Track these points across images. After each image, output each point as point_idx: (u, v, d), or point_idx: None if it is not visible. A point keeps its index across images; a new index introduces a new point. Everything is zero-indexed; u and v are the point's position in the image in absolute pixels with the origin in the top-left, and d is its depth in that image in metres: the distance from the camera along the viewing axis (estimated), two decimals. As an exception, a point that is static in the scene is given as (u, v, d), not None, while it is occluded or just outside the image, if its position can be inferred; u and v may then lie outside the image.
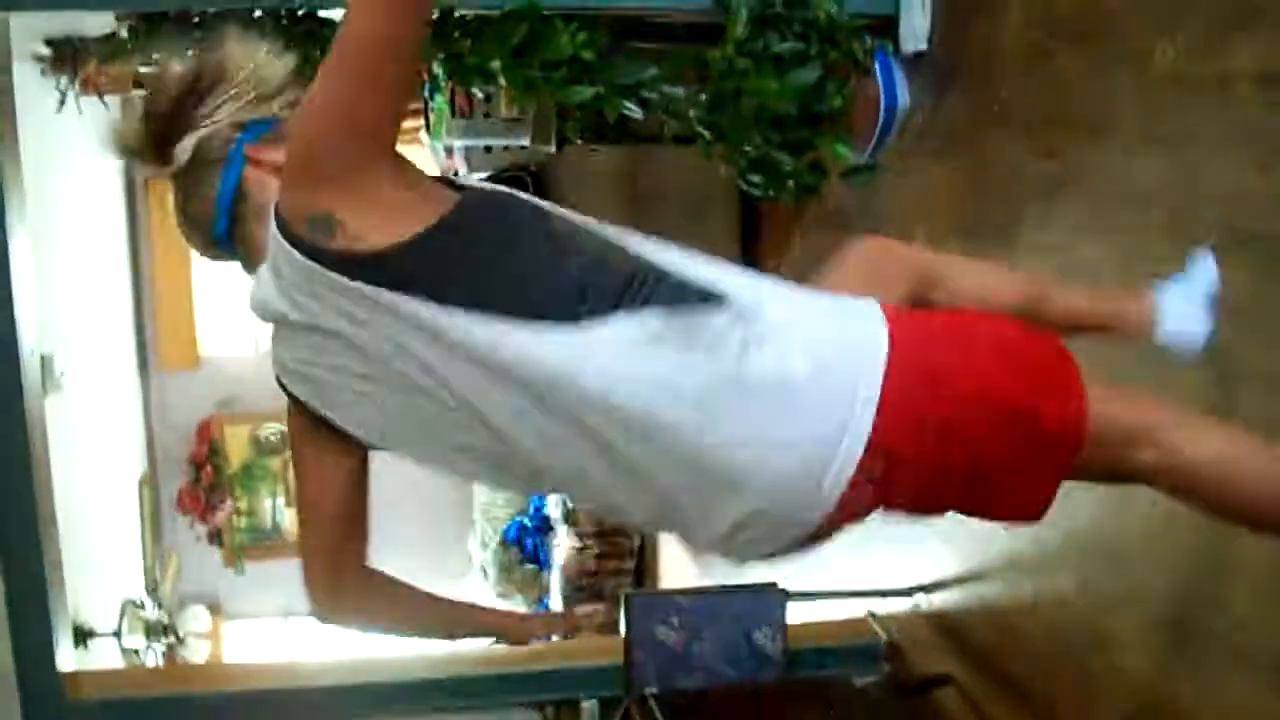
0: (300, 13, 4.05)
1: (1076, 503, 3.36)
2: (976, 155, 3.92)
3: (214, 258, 2.17)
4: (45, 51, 5.13)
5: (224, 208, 2.03)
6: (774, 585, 4.39)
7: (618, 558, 9.40)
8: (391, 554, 8.18)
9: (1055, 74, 3.41)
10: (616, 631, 4.37)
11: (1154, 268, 2.97)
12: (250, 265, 2.08)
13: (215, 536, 10.18)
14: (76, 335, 7.02)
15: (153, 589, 8.19)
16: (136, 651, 6.81)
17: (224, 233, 2.07)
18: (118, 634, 6.61)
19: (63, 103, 5.30)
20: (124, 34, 4.30)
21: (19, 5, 3.94)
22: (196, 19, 4.05)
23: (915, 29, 4.17)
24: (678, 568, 8.68)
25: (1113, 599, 3.28)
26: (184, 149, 1.99)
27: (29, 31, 4.80)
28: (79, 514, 6.14)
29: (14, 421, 4.21)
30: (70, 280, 6.89)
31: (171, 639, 7.63)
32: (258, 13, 3.86)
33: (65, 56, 5.03)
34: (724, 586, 4.59)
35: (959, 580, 4.18)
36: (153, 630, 7.14)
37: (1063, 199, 3.40)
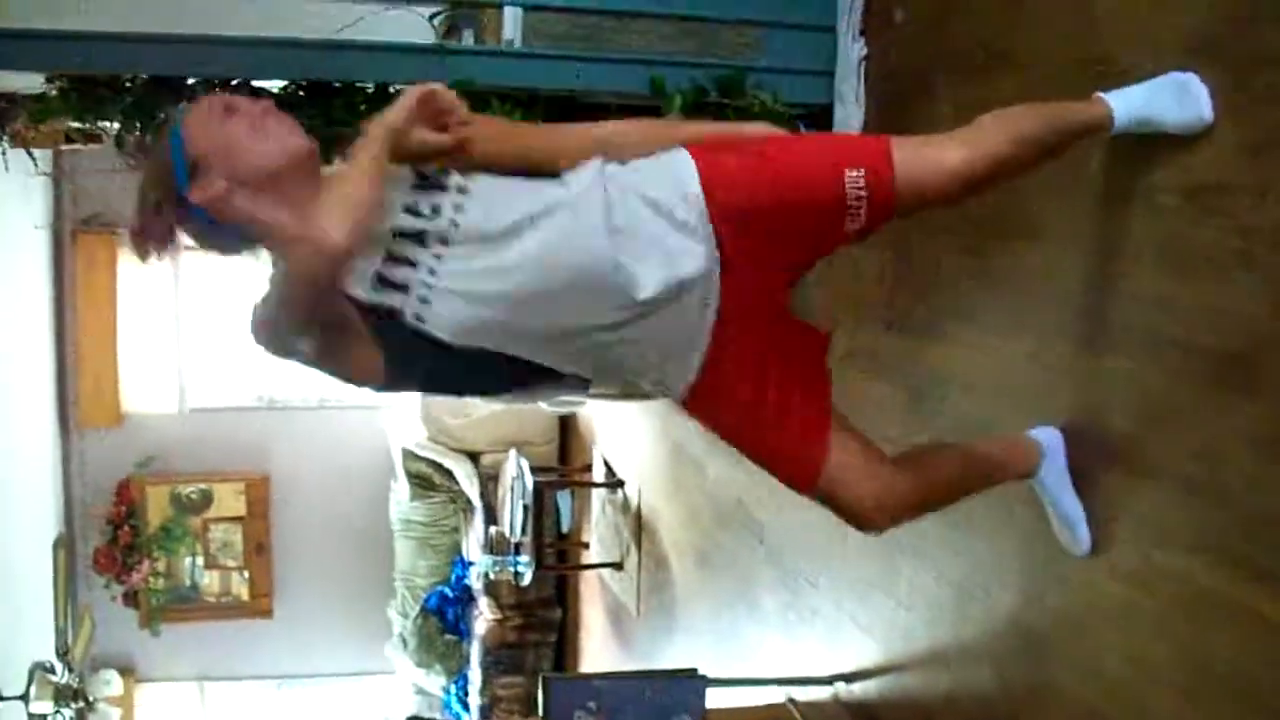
0: (234, 83, 4.02)
1: (996, 598, 3.37)
2: (903, 249, 3.94)
3: None
4: (-28, 105, 5.08)
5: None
6: (694, 671, 4.37)
7: (539, 630, 9.35)
8: (310, 619, 8.15)
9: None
10: (535, 710, 4.33)
11: (1070, 366, 3.00)
12: None
13: (131, 597, 10.04)
14: (-4, 391, 6.92)
15: (64, 652, 8.04)
16: (44, 717, 6.68)
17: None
18: (25, 698, 6.48)
19: (-10, 157, 5.24)
20: (54, 94, 4.26)
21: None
22: (128, 83, 4.02)
23: (849, 119, 4.20)
24: (600, 644, 8.63)
25: (1032, 695, 3.27)
26: None
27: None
28: (-11, 574, 6.04)
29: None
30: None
31: (81, 704, 7.48)
32: (190, 80, 3.84)
33: (-6, 112, 4.98)
34: (644, 671, 4.57)
35: (879, 670, 4.17)
36: (62, 695, 7.01)
37: (985, 296, 3.43)
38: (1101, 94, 2.71)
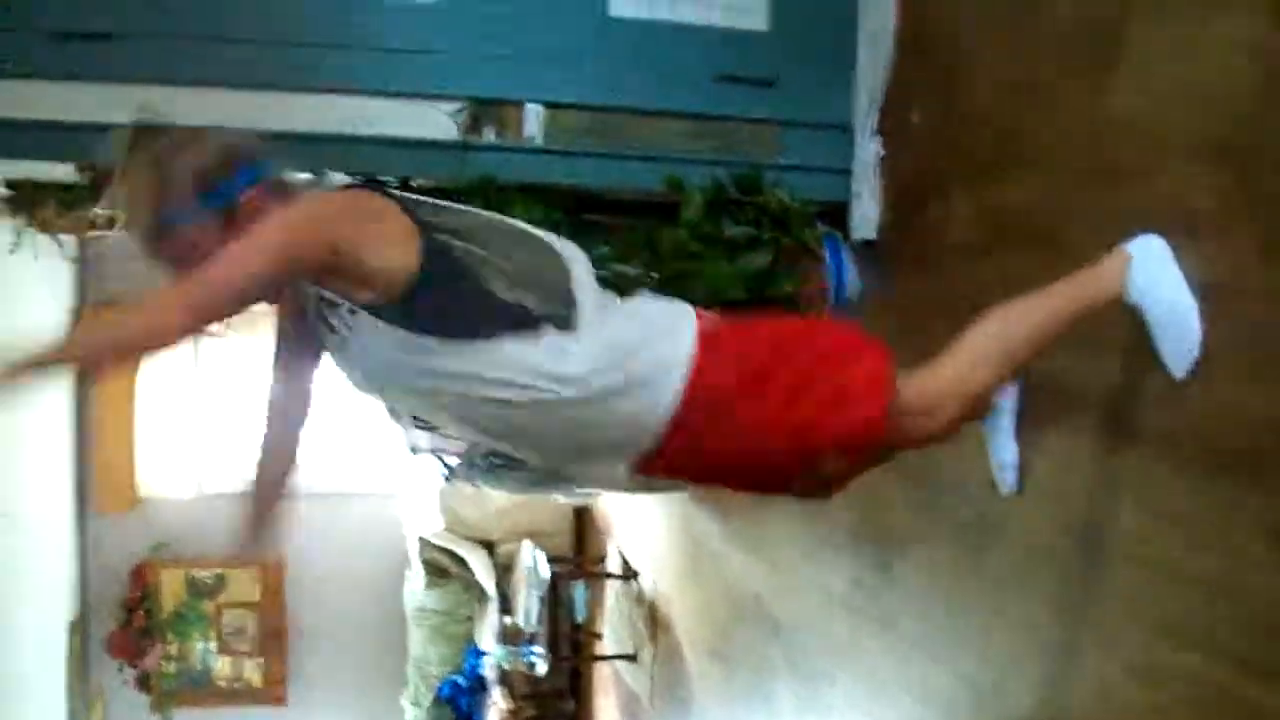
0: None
1: (1013, 693, 3.36)
2: (923, 342, 3.95)
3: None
4: (4, 192, 5.15)
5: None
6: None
7: (552, 719, 9.30)
8: (323, 706, 8.10)
9: (1002, 268, 3.46)
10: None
11: (1090, 465, 3.01)
12: None
13: (143, 681, 9.99)
14: (15, 475, 6.95)
15: (75, 736, 8.02)
16: (54, 802, 6.65)
17: None
18: (35, 782, 6.45)
19: (16, 244, 5.31)
20: (84, 183, 4.33)
21: (-15, 153, 3.98)
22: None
23: (866, 217, 4.24)
24: (612, 734, 8.58)
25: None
26: None
27: (-11, 172, 4.82)
28: (4, 655, 6.03)
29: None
30: (11, 419, 6.84)
31: (90, 789, 7.44)
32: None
33: (23, 199, 5.05)
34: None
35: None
36: (72, 779, 6.97)
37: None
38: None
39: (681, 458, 2.52)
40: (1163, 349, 2.72)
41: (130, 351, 2.35)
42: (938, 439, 2.72)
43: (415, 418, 2.68)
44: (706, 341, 2.49)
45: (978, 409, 2.88)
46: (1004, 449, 3.31)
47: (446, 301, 2.37)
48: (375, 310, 2.36)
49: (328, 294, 2.41)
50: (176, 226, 2.39)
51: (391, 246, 2.35)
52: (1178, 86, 2.81)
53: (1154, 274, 2.69)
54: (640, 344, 2.47)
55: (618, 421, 2.46)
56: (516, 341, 2.38)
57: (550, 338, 2.40)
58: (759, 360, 2.53)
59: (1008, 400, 3.24)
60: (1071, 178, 3.17)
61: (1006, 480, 3.34)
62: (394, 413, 2.69)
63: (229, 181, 2.41)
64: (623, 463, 2.55)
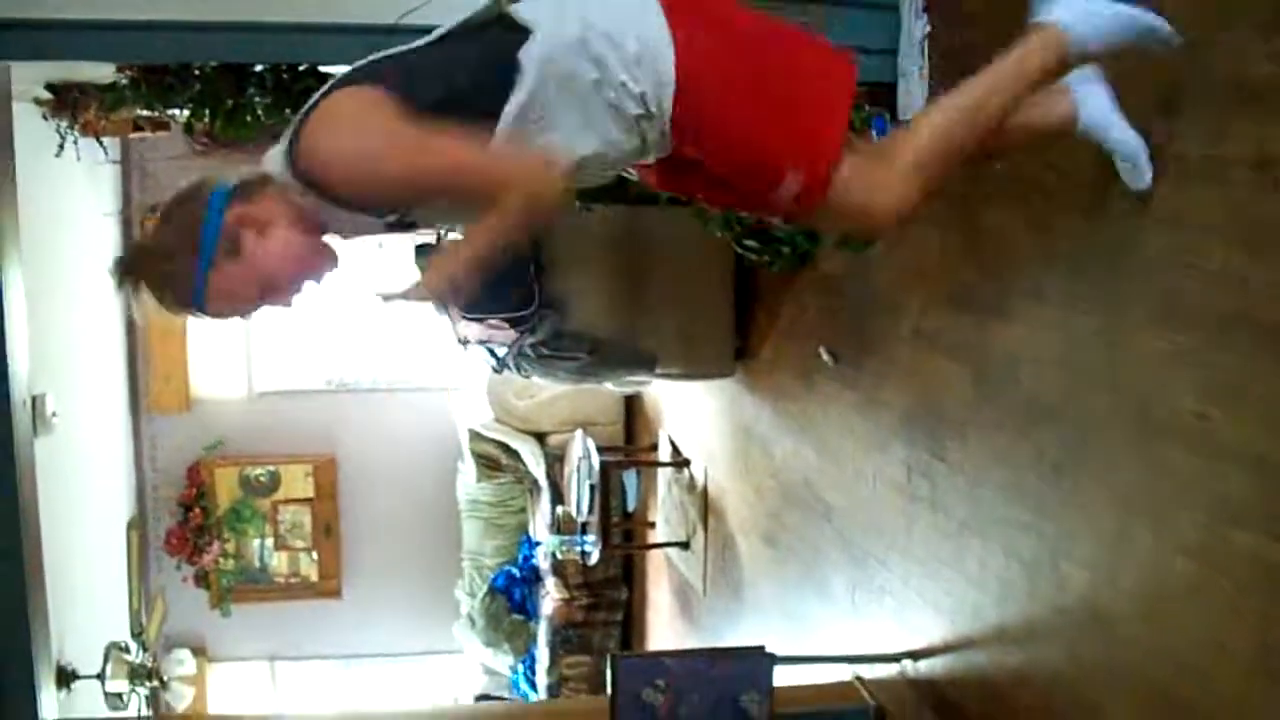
0: (301, 69, 4.06)
1: (1065, 574, 3.36)
2: (974, 224, 3.92)
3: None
4: (46, 95, 5.15)
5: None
6: (762, 649, 4.36)
7: (606, 609, 9.38)
8: (378, 599, 8.24)
9: (1054, 149, 3.41)
10: (603, 689, 4.34)
11: (1145, 343, 2.98)
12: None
13: (202, 579, 10.16)
14: (69, 375, 7.01)
15: (138, 632, 8.15)
16: (120, 695, 6.76)
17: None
18: (101, 677, 6.56)
19: (62, 147, 5.31)
20: (124, 83, 4.32)
21: (18, 55, 3.95)
22: (196, 72, 4.06)
23: (913, 96, 4.18)
24: (666, 623, 8.65)
25: (1103, 673, 3.26)
26: None
27: (30, 75, 4.81)
28: (66, 555, 6.12)
29: (4, 463, 4.20)
30: (65, 320, 6.89)
31: (155, 683, 7.56)
32: (257, 67, 3.87)
33: (66, 102, 5.05)
34: (711, 650, 4.58)
35: (947, 648, 4.17)
36: (137, 674, 7.08)
37: (1058, 271, 3.40)
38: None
39: (691, 123, 2.55)
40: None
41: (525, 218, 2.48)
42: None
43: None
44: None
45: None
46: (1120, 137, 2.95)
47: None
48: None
49: None
50: (207, 298, 2.48)
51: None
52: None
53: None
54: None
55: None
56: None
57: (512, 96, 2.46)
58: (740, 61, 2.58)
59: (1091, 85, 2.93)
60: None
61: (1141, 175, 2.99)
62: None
63: (205, 228, 2.41)
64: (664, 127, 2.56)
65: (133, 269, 2.48)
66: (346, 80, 2.45)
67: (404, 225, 2.55)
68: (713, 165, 2.64)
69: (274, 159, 2.44)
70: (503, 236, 2.47)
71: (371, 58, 2.53)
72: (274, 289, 2.52)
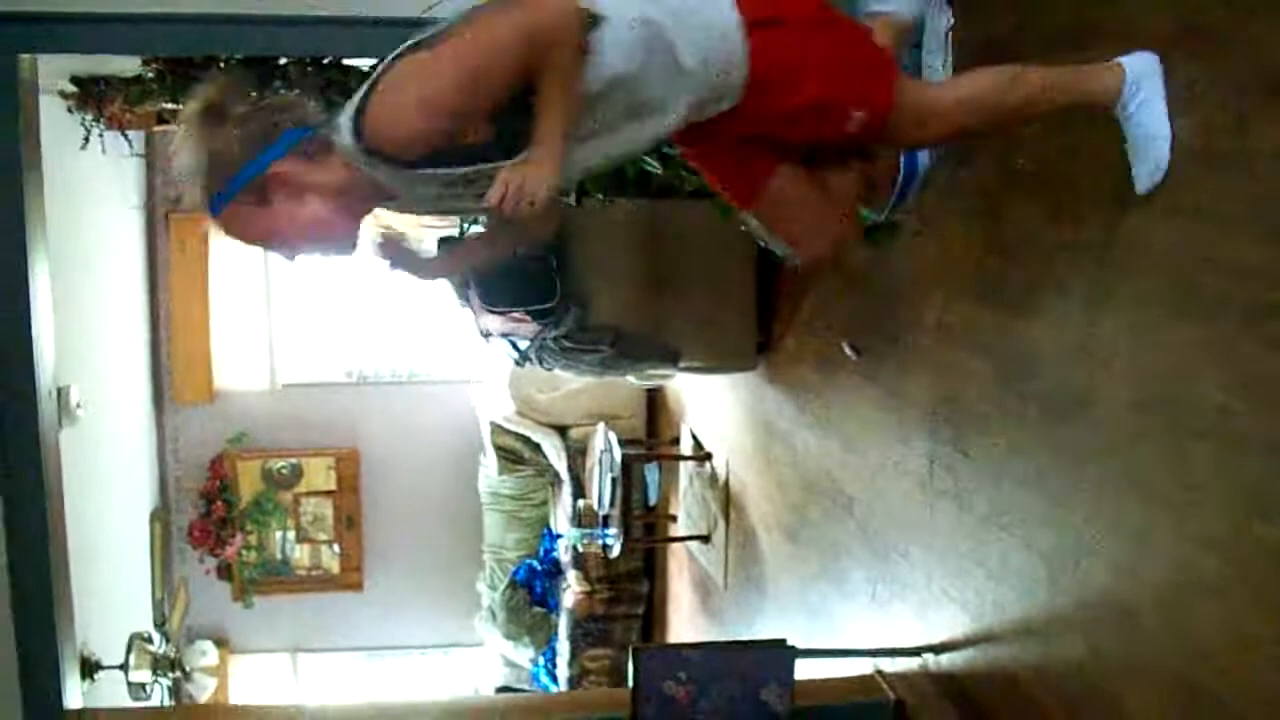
0: (326, 61, 4.07)
1: (1087, 567, 3.35)
2: (998, 217, 3.91)
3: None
4: (71, 89, 5.17)
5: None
6: (783, 642, 4.37)
7: (627, 603, 9.39)
8: (400, 592, 8.26)
9: (1079, 142, 3.40)
10: (624, 682, 4.35)
11: (1169, 335, 2.98)
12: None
13: (225, 571, 10.20)
14: (94, 367, 7.04)
15: (161, 623, 8.17)
16: (143, 686, 6.79)
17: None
18: (124, 667, 6.59)
19: (87, 140, 5.34)
20: (149, 76, 4.34)
21: (44, 48, 3.97)
22: (221, 65, 4.08)
23: (937, 89, 4.17)
24: (687, 617, 8.66)
25: (1124, 666, 3.26)
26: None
27: (55, 69, 4.84)
28: (90, 545, 6.15)
29: (29, 454, 4.23)
30: (89, 312, 6.92)
31: (178, 674, 7.59)
32: (282, 60, 3.89)
33: (91, 95, 5.07)
34: (733, 642, 4.58)
35: (969, 641, 4.17)
36: (160, 665, 7.11)
37: (1083, 264, 3.40)
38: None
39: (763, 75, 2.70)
40: (1135, 165, 3.00)
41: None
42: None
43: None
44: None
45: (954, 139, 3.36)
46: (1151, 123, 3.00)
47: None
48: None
49: None
50: (220, 215, 2.55)
51: None
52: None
53: (1144, 97, 2.93)
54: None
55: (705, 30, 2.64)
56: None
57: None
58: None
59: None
60: (1152, 45, 3.10)
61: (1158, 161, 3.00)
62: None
63: (254, 163, 2.48)
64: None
65: (196, 122, 2.50)
66: (411, 48, 2.50)
67: (466, 183, 2.56)
68: (784, 108, 2.77)
69: (342, 127, 2.49)
70: (570, 99, 2.50)
71: (432, 30, 2.58)
72: (278, 243, 2.60)
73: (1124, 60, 2.95)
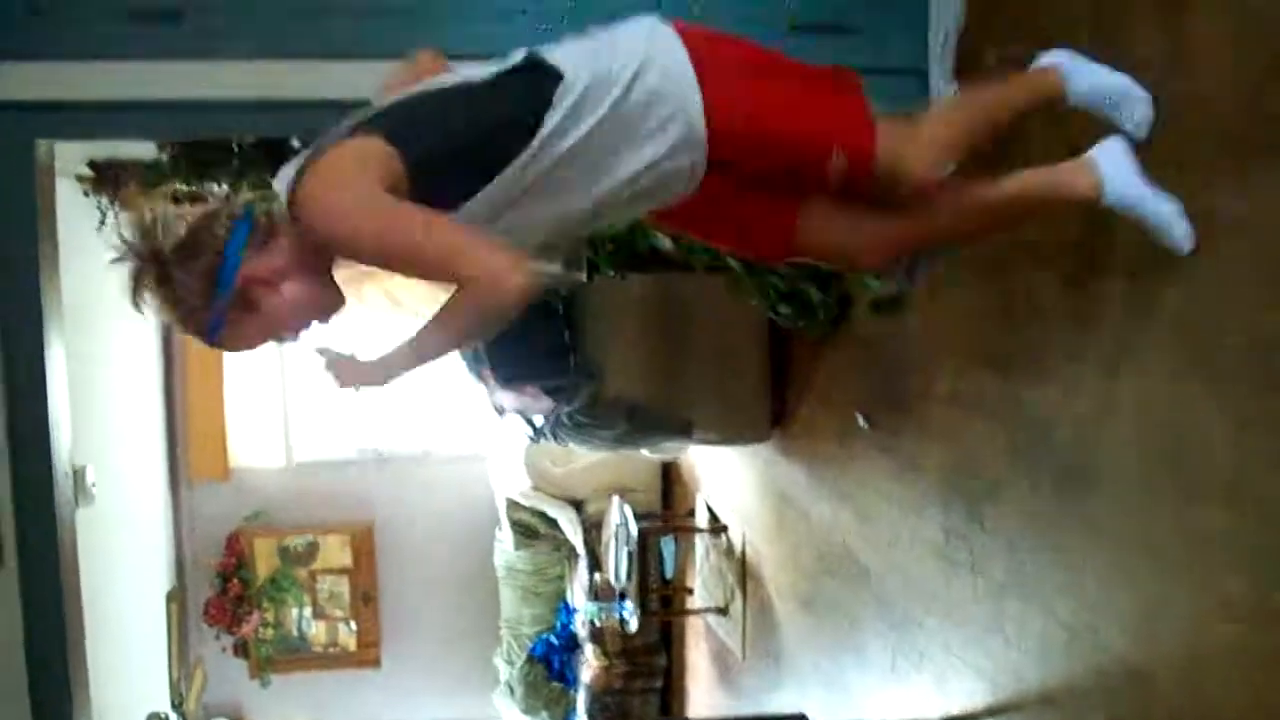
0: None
1: (1105, 636, 3.34)
2: (1006, 286, 3.93)
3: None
4: (87, 172, 5.23)
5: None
6: (802, 716, 4.35)
7: (645, 676, 9.35)
8: (417, 668, 8.22)
9: (1090, 210, 3.42)
10: None
11: (1182, 401, 2.98)
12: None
13: (241, 649, 10.17)
14: (110, 446, 7.06)
15: (178, 702, 8.17)
16: (160, 767, 6.79)
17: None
18: (141, 749, 6.59)
19: (103, 221, 5.39)
20: (164, 159, 4.39)
21: (64, 135, 4.03)
22: (235, 147, 4.13)
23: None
24: (705, 690, 8.61)
25: (1143, 736, 3.25)
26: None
27: (72, 153, 4.89)
28: (107, 624, 6.15)
29: (46, 534, 4.23)
30: (105, 392, 6.95)
31: (196, 754, 7.59)
32: (295, 142, 3.93)
33: (107, 178, 5.13)
34: (751, 716, 4.55)
35: (988, 711, 4.14)
36: (177, 745, 7.11)
37: (1093, 331, 3.41)
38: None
39: (726, 122, 2.67)
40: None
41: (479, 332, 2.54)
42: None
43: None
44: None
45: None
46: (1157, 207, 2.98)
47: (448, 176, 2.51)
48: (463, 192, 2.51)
49: None
50: (221, 339, 2.60)
51: (385, 168, 2.45)
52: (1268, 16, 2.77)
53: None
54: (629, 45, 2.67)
55: (657, 90, 2.62)
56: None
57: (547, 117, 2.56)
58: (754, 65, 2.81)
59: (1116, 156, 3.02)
60: (1162, 107, 3.12)
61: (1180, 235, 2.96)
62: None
63: (221, 283, 2.49)
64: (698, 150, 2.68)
65: (149, 288, 2.53)
66: (355, 126, 2.53)
67: None
68: (758, 165, 2.78)
69: (281, 189, 2.50)
70: (454, 344, 2.55)
71: (388, 101, 2.63)
72: (283, 333, 2.65)
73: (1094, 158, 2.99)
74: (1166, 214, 2.91)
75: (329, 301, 2.66)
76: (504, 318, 2.40)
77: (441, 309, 2.44)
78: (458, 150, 2.52)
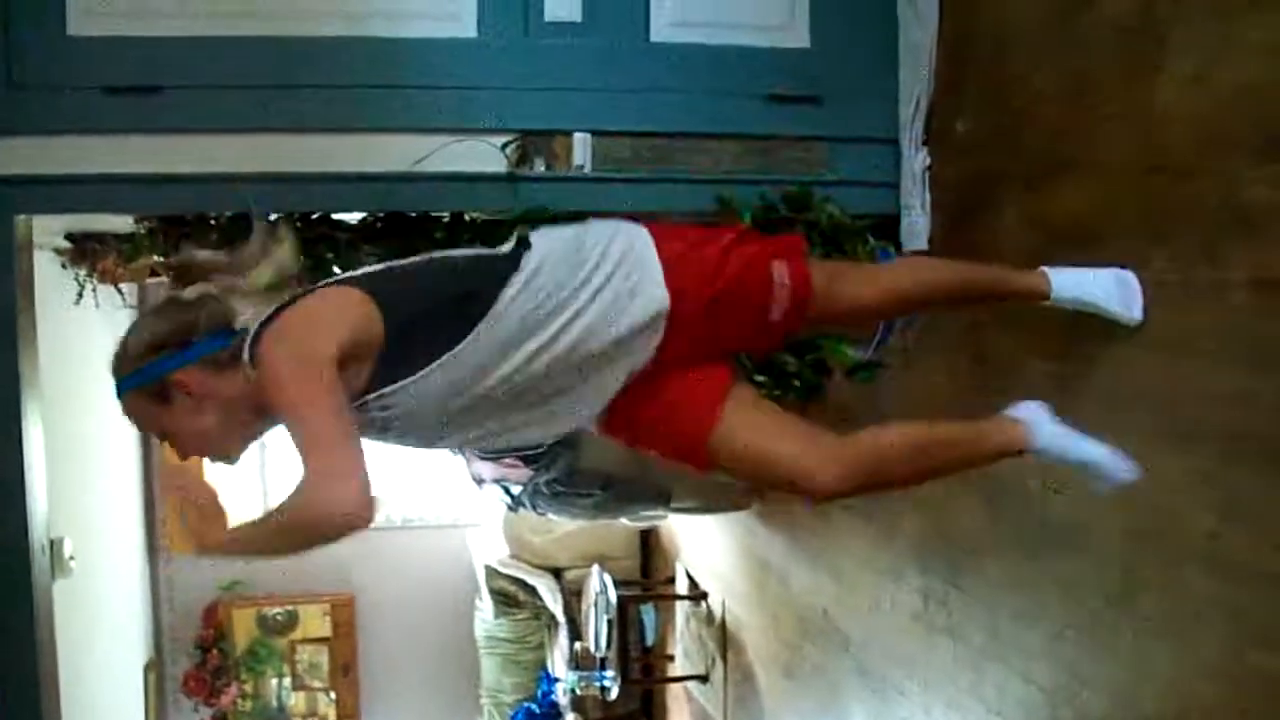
0: (314, 217, 4.13)
1: (1085, 700, 3.34)
2: (982, 352, 3.96)
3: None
4: (65, 245, 5.23)
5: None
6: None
7: (626, 746, 9.30)
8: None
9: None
10: None
11: (1158, 468, 3.00)
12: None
13: (220, 720, 10.09)
14: (87, 518, 7.04)
15: (155, 777, 8.11)
16: (137, 843, 6.72)
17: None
18: (118, 825, 6.52)
19: (80, 295, 5.39)
20: (142, 232, 4.40)
21: (41, 209, 4.04)
22: (213, 221, 4.14)
23: (916, 229, 4.24)
24: (687, 757, 8.57)
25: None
26: None
27: (50, 226, 4.90)
28: (84, 697, 6.11)
29: (23, 607, 4.20)
30: (82, 463, 6.93)
31: (173, 829, 7.52)
32: (273, 216, 3.94)
33: (85, 251, 5.13)
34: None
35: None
36: (154, 820, 7.05)
37: (1066, 398, 3.43)
38: (1046, 269, 3.14)
39: (684, 310, 2.71)
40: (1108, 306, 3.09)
41: (323, 540, 2.46)
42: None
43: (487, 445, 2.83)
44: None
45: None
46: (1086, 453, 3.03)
47: (421, 332, 2.53)
48: (386, 378, 2.51)
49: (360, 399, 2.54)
50: (123, 401, 2.67)
51: (363, 319, 2.47)
52: (1229, 86, 2.81)
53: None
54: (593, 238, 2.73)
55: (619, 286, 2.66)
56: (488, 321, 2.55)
57: (514, 277, 2.60)
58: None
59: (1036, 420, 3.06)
60: (1121, 180, 3.17)
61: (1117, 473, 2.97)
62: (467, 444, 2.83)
63: (163, 361, 2.56)
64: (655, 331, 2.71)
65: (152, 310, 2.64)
66: (334, 281, 2.62)
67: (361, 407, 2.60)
68: (708, 321, 2.77)
69: (250, 329, 2.51)
70: (277, 552, 2.62)
71: (370, 269, 2.70)
72: (170, 440, 2.70)
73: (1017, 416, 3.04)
74: (1101, 455, 2.95)
75: (226, 449, 2.72)
76: (321, 538, 2.42)
77: (277, 506, 2.44)
78: (430, 312, 2.55)
